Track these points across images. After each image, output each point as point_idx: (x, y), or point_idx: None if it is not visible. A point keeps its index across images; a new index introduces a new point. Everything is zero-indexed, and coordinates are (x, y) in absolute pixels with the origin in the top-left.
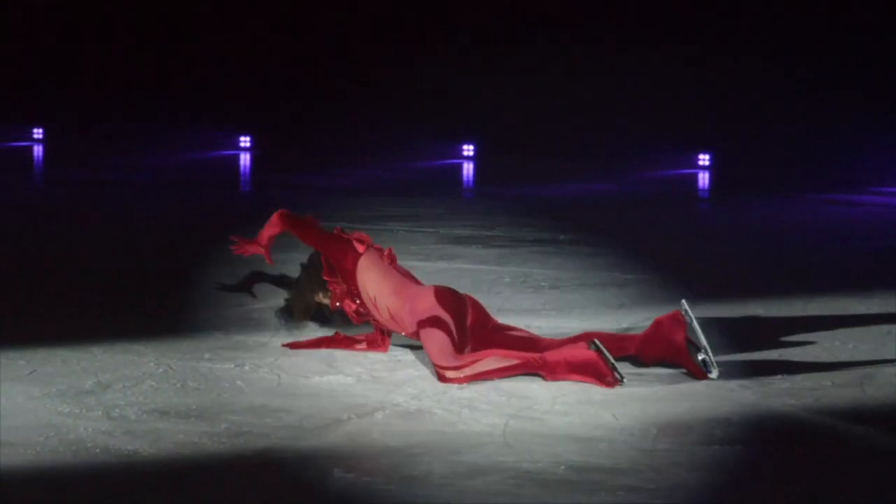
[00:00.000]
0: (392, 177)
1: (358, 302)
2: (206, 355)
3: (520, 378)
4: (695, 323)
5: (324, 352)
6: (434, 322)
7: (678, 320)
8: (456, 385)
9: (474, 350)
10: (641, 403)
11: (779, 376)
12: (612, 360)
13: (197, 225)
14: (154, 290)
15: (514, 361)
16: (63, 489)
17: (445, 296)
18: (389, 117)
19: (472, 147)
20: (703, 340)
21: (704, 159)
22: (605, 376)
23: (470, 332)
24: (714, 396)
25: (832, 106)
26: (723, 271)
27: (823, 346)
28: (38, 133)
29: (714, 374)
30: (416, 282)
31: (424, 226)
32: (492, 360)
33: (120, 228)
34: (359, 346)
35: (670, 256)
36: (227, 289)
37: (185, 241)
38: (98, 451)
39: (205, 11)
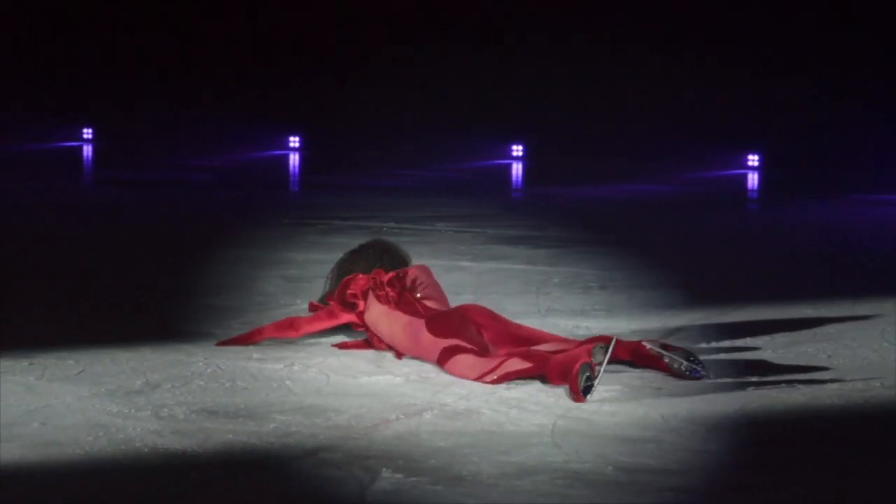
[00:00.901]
0: (441, 177)
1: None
2: (255, 355)
3: None
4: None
5: (371, 353)
6: (447, 354)
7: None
8: (504, 385)
9: (502, 350)
10: (690, 404)
11: (828, 377)
12: (593, 383)
13: (244, 226)
14: (202, 291)
15: (530, 364)
16: (111, 489)
17: (439, 325)
18: (438, 117)
19: (521, 147)
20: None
21: (753, 160)
22: (574, 392)
23: (496, 338)
24: (765, 396)
25: (884, 106)
26: (772, 272)
27: (872, 347)
28: (87, 133)
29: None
30: (414, 317)
31: (473, 226)
32: (515, 362)
33: (167, 229)
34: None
35: (719, 257)
36: (275, 289)
37: (232, 243)
38: (147, 450)
39: (252, 12)
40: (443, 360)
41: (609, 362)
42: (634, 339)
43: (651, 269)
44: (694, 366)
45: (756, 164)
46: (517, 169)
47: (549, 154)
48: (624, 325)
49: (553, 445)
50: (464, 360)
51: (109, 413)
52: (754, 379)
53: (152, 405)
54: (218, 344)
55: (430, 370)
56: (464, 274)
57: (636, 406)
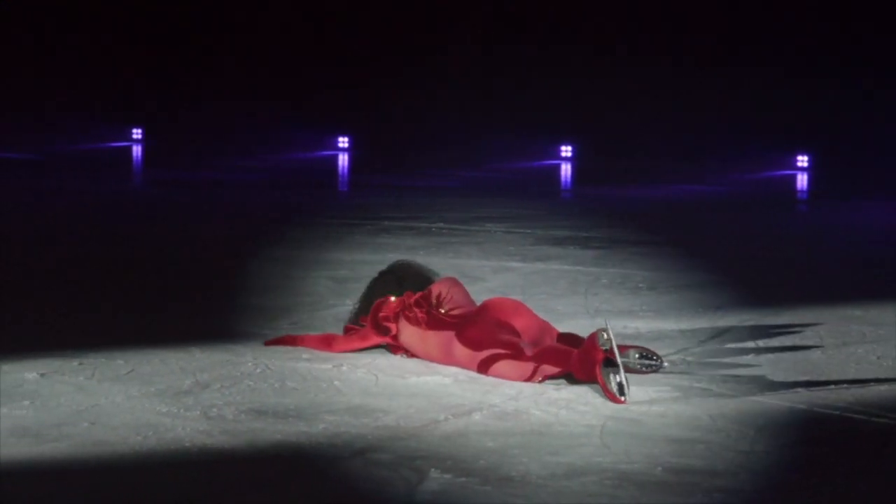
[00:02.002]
0: (490, 177)
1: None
2: (305, 355)
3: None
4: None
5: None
6: (486, 364)
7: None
8: (553, 386)
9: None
10: (739, 404)
11: (875, 379)
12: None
13: (293, 226)
14: (251, 291)
15: (559, 369)
16: (160, 489)
17: (470, 337)
18: (488, 118)
19: (570, 148)
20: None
21: (803, 160)
22: (610, 397)
23: (523, 329)
24: (813, 398)
25: None
26: (820, 272)
27: None
28: (137, 133)
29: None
30: (453, 319)
31: (522, 227)
32: (546, 368)
33: (216, 229)
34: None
35: (768, 257)
36: (323, 289)
37: (281, 243)
38: (195, 450)
39: (304, 11)
40: (483, 369)
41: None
42: (682, 339)
43: (700, 269)
44: (648, 361)
45: (806, 164)
46: (566, 169)
47: (599, 154)
48: (673, 326)
49: (602, 446)
50: (505, 366)
51: (158, 413)
52: (803, 380)
53: (201, 405)
54: (266, 343)
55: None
56: (512, 275)
57: (685, 407)
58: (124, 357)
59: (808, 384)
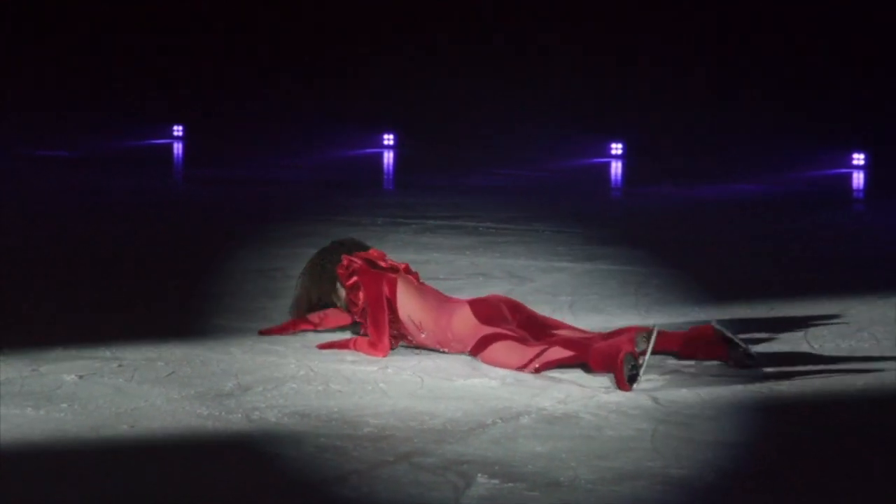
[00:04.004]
0: (538, 176)
1: (396, 331)
2: (350, 357)
3: (669, 382)
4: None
5: (466, 356)
6: (486, 342)
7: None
8: (602, 389)
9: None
10: (796, 408)
11: None
12: (638, 372)
13: (337, 225)
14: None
15: (570, 353)
16: (201, 492)
17: (482, 309)
18: (536, 115)
19: (620, 145)
20: (738, 339)
21: (859, 159)
22: (619, 381)
23: (523, 329)
24: (867, 401)
25: None
26: (879, 272)
27: None
28: (178, 130)
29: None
30: (447, 298)
31: (571, 226)
32: (555, 351)
33: (258, 228)
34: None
35: (822, 256)
36: None
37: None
38: (237, 454)
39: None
40: (480, 346)
41: (655, 352)
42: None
43: (755, 270)
44: (750, 353)
45: (862, 163)
46: (616, 167)
47: (650, 152)
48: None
49: (653, 450)
50: (504, 348)
51: (199, 416)
52: (860, 385)
53: (243, 408)
54: (261, 332)
55: (526, 374)
56: (561, 275)
57: (739, 410)
58: (164, 358)
59: (865, 388)
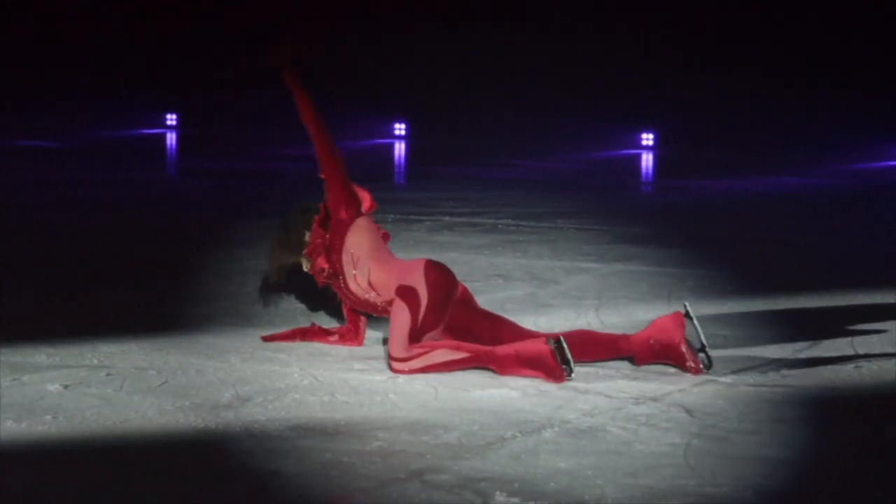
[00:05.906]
0: (562, 168)
1: (333, 259)
2: (357, 365)
3: (704, 393)
4: (696, 322)
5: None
6: (411, 296)
7: (678, 321)
8: (632, 400)
9: (445, 334)
10: (841, 421)
11: None
12: (569, 356)
13: None
14: (298, 294)
15: (464, 355)
16: None
17: (433, 270)
18: (559, 103)
19: (651, 136)
20: (703, 339)
21: None
22: (553, 371)
23: (451, 310)
24: None
25: None
26: None
27: None
28: (171, 119)
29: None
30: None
31: (598, 223)
32: (441, 353)
33: (258, 225)
34: (332, 339)
35: (864, 256)
36: None
37: None
38: (236, 471)
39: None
40: (401, 293)
41: (584, 363)
42: (777, 350)
43: (799, 271)
44: (704, 355)
45: None
46: (647, 159)
47: (683, 143)
48: (765, 333)
49: (686, 467)
50: (401, 326)
51: (195, 429)
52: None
53: (242, 421)
54: (263, 339)
55: (549, 383)
56: (587, 276)
57: (779, 424)
58: (155, 367)
59: None
